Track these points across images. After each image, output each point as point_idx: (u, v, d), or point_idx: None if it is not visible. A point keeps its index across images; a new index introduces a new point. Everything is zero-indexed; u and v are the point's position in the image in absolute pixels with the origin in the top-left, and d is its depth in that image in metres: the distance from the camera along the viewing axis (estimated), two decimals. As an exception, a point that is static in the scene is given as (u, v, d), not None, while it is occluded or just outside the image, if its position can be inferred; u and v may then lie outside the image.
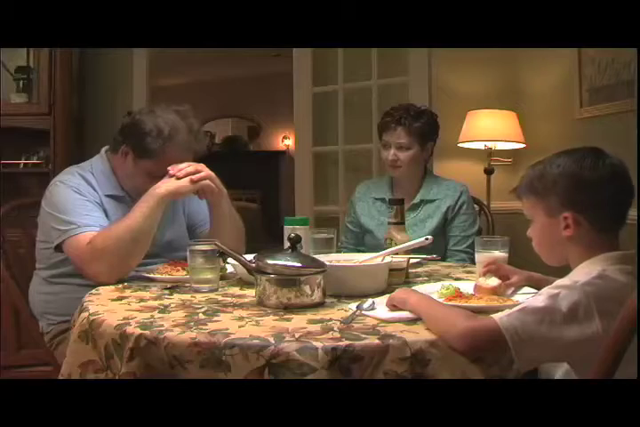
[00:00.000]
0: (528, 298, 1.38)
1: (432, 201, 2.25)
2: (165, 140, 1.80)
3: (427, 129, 2.23)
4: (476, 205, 2.55)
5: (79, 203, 1.78)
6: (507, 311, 1.13)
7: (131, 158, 1.85)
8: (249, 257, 1.50)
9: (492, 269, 1.52)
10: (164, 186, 1.75)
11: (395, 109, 2.24)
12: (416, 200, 2.25)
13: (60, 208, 1.77)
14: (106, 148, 1.96)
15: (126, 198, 1.89)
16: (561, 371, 1.24)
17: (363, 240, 2.34)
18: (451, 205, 2.23)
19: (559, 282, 1.17)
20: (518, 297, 1.42)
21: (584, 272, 1.17)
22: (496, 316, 1.13)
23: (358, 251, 2.32)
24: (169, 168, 1.78)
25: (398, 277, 1.62)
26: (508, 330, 1.09)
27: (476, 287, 1.44)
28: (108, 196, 1.87)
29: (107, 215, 1.83)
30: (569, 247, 1.24)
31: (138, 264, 1.76)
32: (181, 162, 1.81)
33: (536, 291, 1.43)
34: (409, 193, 2.25)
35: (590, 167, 1.19)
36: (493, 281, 1.45)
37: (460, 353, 1.11)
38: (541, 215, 1.26)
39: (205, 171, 1.81)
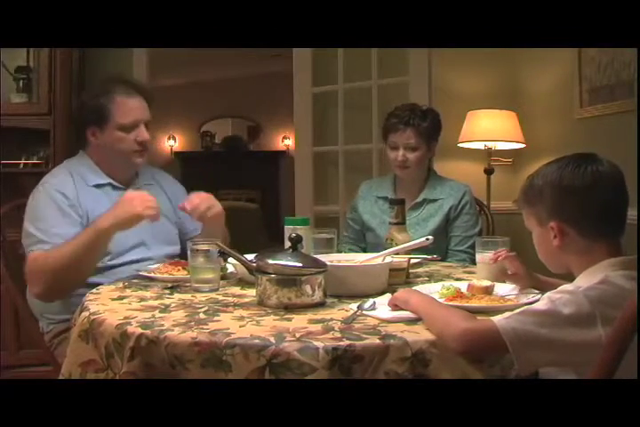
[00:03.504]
0: (528, 298, 1.39)
1: (435, 200, 2.25)
2: (110, 92, 1.87)
3: (433, 129, 2.24)
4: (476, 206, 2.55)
5: (49, 211, 1.82)
6: (506, 314, 1.13)
7: (99, 133, 1.90)
8: (250, 257, 1.50)
9: (502, 255, 1.53)
10: (111, 218, 1.70)
11: (400, 110, 2.24)
12: (419, 199, 2.25)
13: (29, 216, 1.84)
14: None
15: (112, 185, 1.94)
16: (562, 375, 1.23)
17: (363, 237, 2.35)
18: (453, 204, 2.23)
19: (562, 287, 1.16)
20: (517, 298, 1.41)
21: (587, 278, 1.16)
22: (495, 318, 1.13)
23: (358, 247, 2.33)
24: (184, 204, 1.80)
25: (399, 278, 1.62)
26: (507, 333, 1.09)
27: (469, 287, 1.44)
28: (94, 186, 1.91)
29: (93, 205, 1.86)
30: (565, 256, 1.24)
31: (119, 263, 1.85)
32: (135, 105, 1.89)
33: (537, 291, 1.44)
34: (411, 192, 2.25)
35: (571, 176, 1.19)
36: (486, 281, 1.47)
37: (457, 354, 1.11)
38: (535, 225, 1.27)
39: (217, 205, 1.85)
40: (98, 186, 1.92)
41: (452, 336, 1.12)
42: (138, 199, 1.71)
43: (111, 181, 1.94)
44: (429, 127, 2.22)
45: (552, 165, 1.24)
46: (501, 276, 1.59)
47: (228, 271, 1.74)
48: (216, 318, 1.27)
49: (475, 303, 1.33)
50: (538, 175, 1.25)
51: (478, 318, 1.18)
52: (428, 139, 2.23)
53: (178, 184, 2.17)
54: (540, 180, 1.24)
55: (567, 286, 1.16)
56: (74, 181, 1.88)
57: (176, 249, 2.04)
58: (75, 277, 1.76)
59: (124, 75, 2.04)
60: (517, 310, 1.13)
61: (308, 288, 1.36)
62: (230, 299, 1.47)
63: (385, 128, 2.28)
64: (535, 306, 1.13)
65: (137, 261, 1.87)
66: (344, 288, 1.47)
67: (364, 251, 2.27)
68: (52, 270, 1.71)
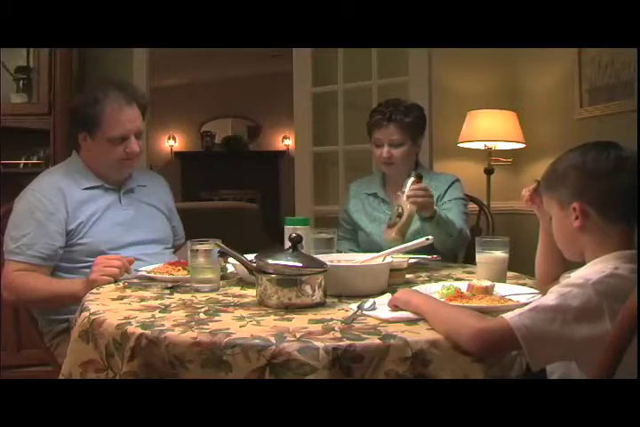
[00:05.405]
0: (529, 298, 1.39)
1: None
2: (100, 102, 1.85)
3: (418, 124, 2.20)
4: (475, 205, 2.54)
5: (25, 220, 1.83)
6: (517, 311, 1.13)
7: (90, 139, 1.90)
8: (250, 257, 1.50)
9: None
10: (81, 282, 1.71)
11: (383, 106, 2.21)
12: None
13: (9, 222, 1.85)
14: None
15: (104, 187, 1.95)
16: (560, 371, 1.23)
17: (357, 236, 2.33)
18: (440, 195, 2.18)
19: (570, 280, 1.17)
20: (518, 298, 1.42)
21: (596, 269, 1.17)
22: (507, 315, 1.13)
23: (354, 242, 2.30)
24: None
25: (399, 278, 1.62)
26: (520, 329, 1.09)
27: (469, 287, 1.44)
28: (86, 188, 1.92)
29: (83, 206, 1.88)
30: (582, 239, 1.25)
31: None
32: (127, 117, 1.87)
33: (536, 291, 1.44)
34: (399, 188, 2.23)
35: (594, 159, 1.22)
36: (486, 281, 1.47)
37: (473, 354, 1.11)
38: (555, 209, 1.29)
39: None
40: (90, 188, 1.92)
41: (467, 336, 1.11)
42: (98, 265, 1.69)
43: (103, 183, 1.94)
44: (413, 122, 2.18)
45: (575, 150, 1.28)
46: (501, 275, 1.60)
47: (228, 271, 1.74)
48: (216, 318, 1.27)
49: (475, 303, 1.33)
50: (561, 160, 1.29)
51: (488, 317, 1.18)
52: (413, 134, 2.19)
53: (168, 189, 2.19)
54: (564, 164, 1.27)
55: (576, 279, 1.16)
56: (62, 186, 1.88)
57: (170, 249, 2.07)
58: (40, 306, 1.89)
59: (120, 80, 1.98)
60: (528, 307, 1.14)
61: (308, 288, 1.36)
62: (230, 299, 1.47)
63: (369, 125, 2.24)
64: (545, 301, 1.13)
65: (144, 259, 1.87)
66: (344, 288, 1.47)
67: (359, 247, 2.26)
68: (17, 293, 1.80)
